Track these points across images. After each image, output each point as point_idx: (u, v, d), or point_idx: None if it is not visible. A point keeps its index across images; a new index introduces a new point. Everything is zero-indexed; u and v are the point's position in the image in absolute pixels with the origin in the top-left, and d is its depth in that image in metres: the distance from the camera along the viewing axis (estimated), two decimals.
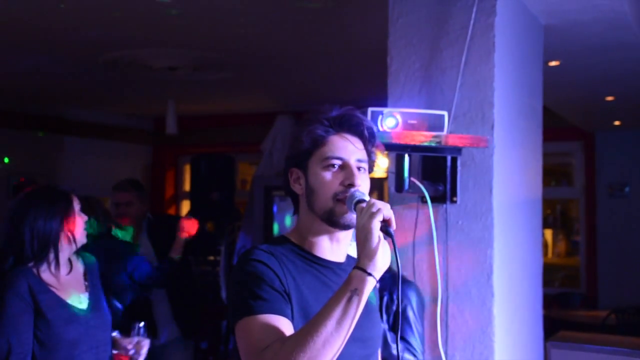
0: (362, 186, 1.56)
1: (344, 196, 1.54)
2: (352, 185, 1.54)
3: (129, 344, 2.66)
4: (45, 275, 2.46)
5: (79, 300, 2.52)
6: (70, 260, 2.57)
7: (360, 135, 1.60)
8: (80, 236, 2.57)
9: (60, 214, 2.49)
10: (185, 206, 8.23)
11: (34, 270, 2.44)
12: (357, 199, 1.51)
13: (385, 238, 1.44)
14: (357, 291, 1.39)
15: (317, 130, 1.58)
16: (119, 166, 7.60)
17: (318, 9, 3.88)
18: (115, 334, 2.68)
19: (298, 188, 1.62)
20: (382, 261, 1.42)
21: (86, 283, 2.59)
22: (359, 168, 1.58)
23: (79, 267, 2.61)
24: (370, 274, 1.41)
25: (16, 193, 7.00)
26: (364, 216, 1.45)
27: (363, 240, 1.43)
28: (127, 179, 4.37)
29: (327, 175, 1.56)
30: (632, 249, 6.86)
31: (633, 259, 6.84)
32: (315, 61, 5.16)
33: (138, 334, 2.71)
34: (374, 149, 1.63)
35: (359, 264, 1.42)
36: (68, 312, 2.45)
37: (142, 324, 2.73)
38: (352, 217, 1.54)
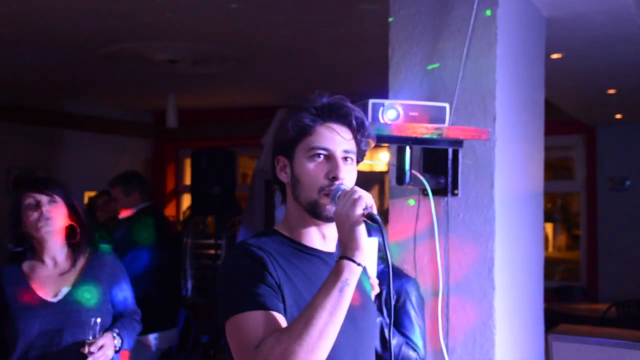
0: (347, 178, 1.53)
1: (330, 190, 1.51)
2: (336, 178, 1.52)
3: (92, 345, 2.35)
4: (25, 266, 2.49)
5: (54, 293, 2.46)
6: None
7: (348, 125, 1.57)
8: None
9: None
10: (186, 200, 8.22)
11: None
12: (340, 192, 1.49)
13: (368, 225, 1.43)
14: (348, 281, 1.39)
15: (304, 119, 1.55)
16: (118, 160, 7.58)
17: (319, 1, 3.87)
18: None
19: (284, 176, 1.59)
20: (367, 249, 1.43)
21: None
22: (345, 159, 1.55)
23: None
24: (359, 264, 1.41)
25: (15, 187, 7.01)
26: (346, 203, 1.43)
27: (348, 229, 1.42)
28: (119, 173, 4.28)
29: (312, 165, 1.53)
30: (632, 243, 6.86)
31: (633, 252, 6.84)
32: (316, 54, 5.14)
33: (93, 332, 2.34)
34: (363, 139, 1.60)
35: (347, 254, 1.42)
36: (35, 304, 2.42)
37: (98, 320, 2.35)
38: (334, 209, 1.51)
